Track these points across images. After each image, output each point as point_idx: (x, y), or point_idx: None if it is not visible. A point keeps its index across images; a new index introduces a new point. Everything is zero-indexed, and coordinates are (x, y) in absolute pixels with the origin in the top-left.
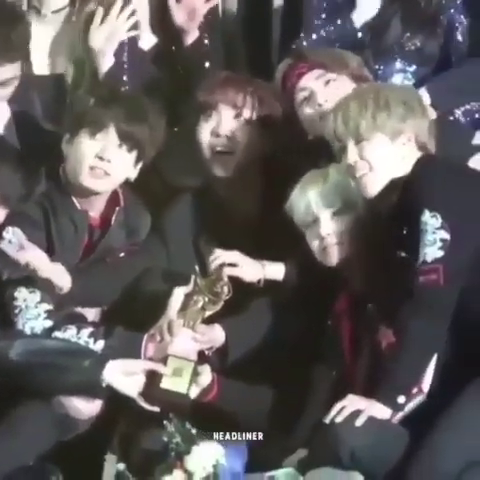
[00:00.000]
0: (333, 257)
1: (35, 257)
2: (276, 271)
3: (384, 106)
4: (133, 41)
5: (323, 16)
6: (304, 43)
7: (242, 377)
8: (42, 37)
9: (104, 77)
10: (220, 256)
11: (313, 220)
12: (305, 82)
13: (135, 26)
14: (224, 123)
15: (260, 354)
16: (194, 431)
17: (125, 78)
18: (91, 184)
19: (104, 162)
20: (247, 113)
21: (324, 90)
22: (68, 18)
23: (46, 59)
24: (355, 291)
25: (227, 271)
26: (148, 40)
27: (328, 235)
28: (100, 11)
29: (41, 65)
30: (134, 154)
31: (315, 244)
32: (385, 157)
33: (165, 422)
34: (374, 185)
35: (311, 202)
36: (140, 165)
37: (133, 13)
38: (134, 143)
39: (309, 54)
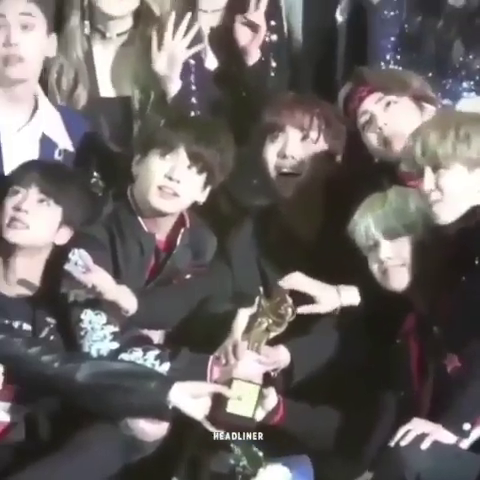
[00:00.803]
0: (393, 281)
1: (101, 279)
2: (352, 296)
3: (464, 138)
4: (199, 61)
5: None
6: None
7: (307, 398)
8: (107, 60)
9: (172, 102)
10: (297, 282)
11: (373, 244)
12: (365, 106)
13: (198, 40)
14: (291, 145)
15: (326, 375)
16: (261, 453)
17: (194, 100)
18: (159, 204)
19: (173, 182)
20: (314, 135)
21: (384, 113)
22: (131, 40)
23: (112, 82)
24: (420, 312)
25: (304, 310)
26: (211, 62)
27: (388, 259)
28: (155, 36)
29: (107, 87)
30: (203, 177)
31: (375, 267)
32: (461, 187)
33: (232, 445)
34: (447, 214)
35: (370, 225)
36: (209, 189)
37: (190, 28)
38: (204, 165)
39: (369, 77)
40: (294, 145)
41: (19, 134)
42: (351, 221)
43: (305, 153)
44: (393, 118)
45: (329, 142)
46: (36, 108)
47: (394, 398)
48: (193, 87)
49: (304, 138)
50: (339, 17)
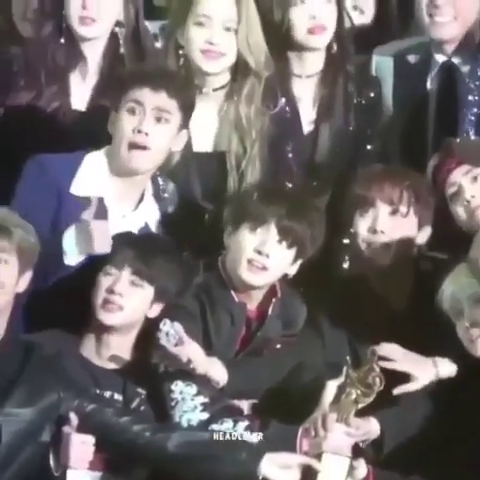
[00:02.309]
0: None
1: (193, 352)
2: (450, 368)
3: None
4: (298, 125)
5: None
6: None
7: (398, 467)
8: (202, 114)
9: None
10: (391, 362)
11: (460, 310)
12: (454, 178)
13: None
14: (381, 220)
15: (417, 444)
16: None
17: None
18: (248, 278)
19: (262, 256)
20: (403, 209)
21: (472, 186)
22: (229, 95)
23: (206, 136)
24: None
25: (400, 390)
26: (306, 126)
27: (473, 325)
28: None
29: (201, 142)
30: (293, 251)
31: (462, 334)
32: None
33: None
34: None
35: (457, 291)
36: (299, 262)
37: None
38: (294, 240)
39: (458, 149)
40: (384, 220)
41: (124, 220)
42: (440, 289)
43: (395, 226)
44: None
45: (418, 214)
46: (141, 200)
47: None
48: (290, 154)
49: (394, 212)
50: (429, 86)
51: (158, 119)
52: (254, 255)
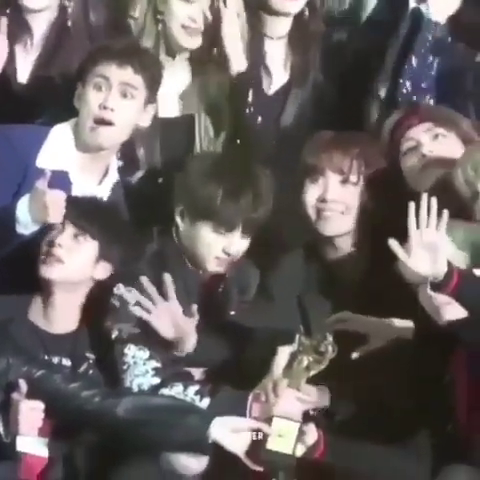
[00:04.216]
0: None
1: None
2: (406, 330)
3: None
4: (261, 86)
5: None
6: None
7: (351, 433)
8: (171, 81)
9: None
10: (348, 321)
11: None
12: (413, 133)
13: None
14: (331, 189)
15: (369, 410)
16: None
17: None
18: (215, 269)
19: (231, 255)
20: (354, 178)
21: (431, 143)
22: (198, 60)
23: (174, 102)
24: (470, 346)
25: (359, 352)
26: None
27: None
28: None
29: (169, 108)
30: (252, 235)
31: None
32: None
33: None
34: None
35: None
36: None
37: None
38: (255, 228)
39: (421, 107)
40: (334, 189)
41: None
42: None
43: (345, 195)
44: (440, 148)
45: (369, 179)
46: (106, 175)
47: (440, 432)
48: (254, 108)
49: (344, 181)
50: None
51: (124, 94)
52: (222, 254)
